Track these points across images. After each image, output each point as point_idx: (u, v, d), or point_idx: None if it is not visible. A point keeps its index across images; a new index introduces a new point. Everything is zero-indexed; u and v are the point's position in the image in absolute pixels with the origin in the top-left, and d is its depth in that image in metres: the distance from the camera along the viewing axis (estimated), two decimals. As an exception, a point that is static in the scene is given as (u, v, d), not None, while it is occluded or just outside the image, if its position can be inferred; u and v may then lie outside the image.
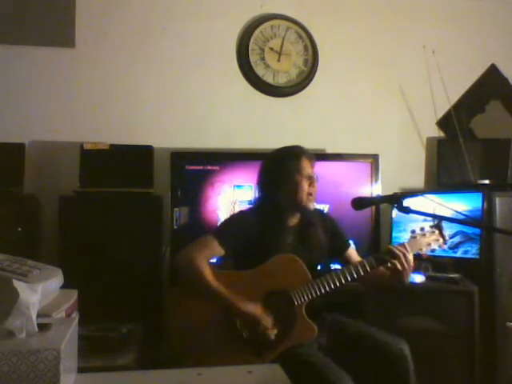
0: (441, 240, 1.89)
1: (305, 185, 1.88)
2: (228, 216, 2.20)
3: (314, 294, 1.79)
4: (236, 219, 2.00)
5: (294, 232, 1.94)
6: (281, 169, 1.90)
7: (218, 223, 2.60)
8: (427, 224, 1.95)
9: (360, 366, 1.73)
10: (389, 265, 1.82)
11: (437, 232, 1.89)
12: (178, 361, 1.73)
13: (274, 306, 1.79)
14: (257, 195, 2.05)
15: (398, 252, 1.80)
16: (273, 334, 1.75)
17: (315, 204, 1.94)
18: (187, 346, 1.75)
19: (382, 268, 1.87)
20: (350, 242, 2.06)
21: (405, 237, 2.62)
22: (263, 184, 1.98)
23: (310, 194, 1.89)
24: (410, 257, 1.81)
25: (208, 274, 1.76)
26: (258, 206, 2.01)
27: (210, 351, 1.72)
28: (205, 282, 1.74)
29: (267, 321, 1.75)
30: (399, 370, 1.70)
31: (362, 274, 1.82)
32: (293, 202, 1.89)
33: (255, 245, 1.83)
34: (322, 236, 1.95)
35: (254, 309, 1.74)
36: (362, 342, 1.79)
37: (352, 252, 2.02)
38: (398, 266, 1.79)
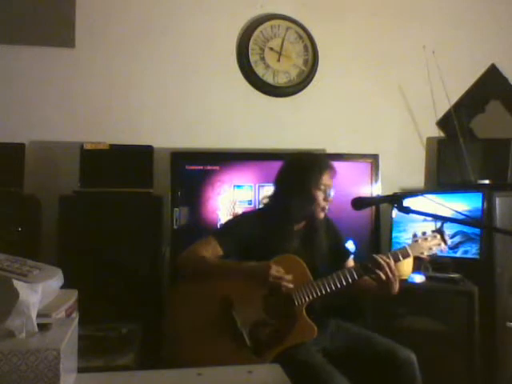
0: (442, 245, 1.88)
1: (320, 199, 1.88)
2: (231, 217, 2.20)
3: (314, 295, 1.79)
4: (238, 221, 2.01)
5: (298, 236, 1.94)
6: (302, 177, 1.89)
7: (218, 223, 2.61)
8: (429, 228, 1.94)
9: (366, 374, 1.74)
10: (372, 275, 1.81)
11: (438, 237, 1.89)
12: (177, 361, 1.73)
13: (275, 305, 1.79)
14: (268, 194, 2.04)
15: (381, 262, 1.77)
16: (290, 281, 1.72)
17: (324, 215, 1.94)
18: (187, 345, 1.75)
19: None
20: (351, 250, 2.07)
21: (405, 237, 2.62)
22: (280, 185, 1.97)
23: (323, 208, 1.90)
24: (393, 267, 1.78)
25: (210, 257, 1.79)
26: (268, 206, 2.01)
27: (210, 351, 1.72)
28: (208, 261, 1.77)
29: (275, 267, 1.72)
30: (407, 378, 1.70)
31: (356, 277, 1.81)
32: (304, 212, 1.90)
33: (258, 246, 1.84)
34: (325, 242, 1.96)
35: (265, 263, 1.73)
36: (369, 349, 1.79)
37: (351, 262, 2.03)
38: (382, 277, 1.76)
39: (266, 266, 1.71)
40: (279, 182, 1.97)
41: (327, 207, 1.92)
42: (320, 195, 1.88)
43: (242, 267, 1.76)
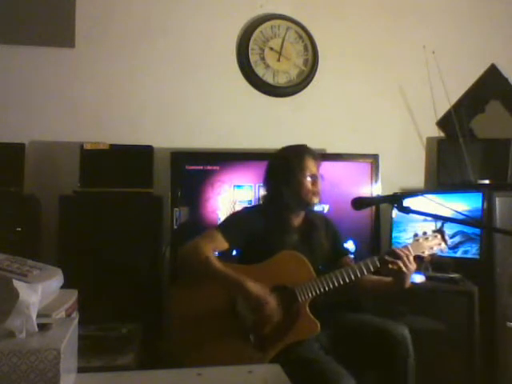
0: (443, 244, 1.92)
1: (308, 184, 1.91)
2: (233, 211, 2.21)
3: (318, 291, 1.80)
4: (241, 215, 2.03)
5: (297, 232, 1.96)
6: (284, 168, 1.93)
7: (221, 219, 2.61)
8: (430, 228, 1.96)
9: (360, 352, 1.77)
10: (390, 266, 1.82)
11: (439, 236, 1.92)
12: (177, 361, 1.73)
13: (278, 301, 1.79)
14: (262, 194, 2.07)
15: (401, 253, 1.81)
16: (276, 316, 1.75)
17: (320, 201, 1.96)
18: (187, 345, 1.75)
19: (375, 276, 1.90)
20: (348, 250, 2.09)
21: (405, 237, 2.62)
22: (268, 183, 2.01)
23: (314, 193, 1.92)
24: (412, 259, 1.82)
25: (213, 258, 1.79)
26: (264, 204, 2.03)
27: (211, 348, 1.72)
28: (211, 264, 1.76)
29: (273, 303, 1.74)
30: (399, 353, 1.72)
31: (366, 273, 1.84)
32: (297, 201, 1.92)
33: (260, 241, 1.86)
34: (324, 239, 1.98)
35: (262, 290, 1.74)
36: (362, 328, 1.82)
37: (349, 260, 2.04)
38: (402, 267, 1.79)
39: (261, 297, 1.72)
40: (267, 179, 2.01)
41: (319, 191, 1.93)
42: (306, 180, 1.91)
43: (242, 282, 1.74)
